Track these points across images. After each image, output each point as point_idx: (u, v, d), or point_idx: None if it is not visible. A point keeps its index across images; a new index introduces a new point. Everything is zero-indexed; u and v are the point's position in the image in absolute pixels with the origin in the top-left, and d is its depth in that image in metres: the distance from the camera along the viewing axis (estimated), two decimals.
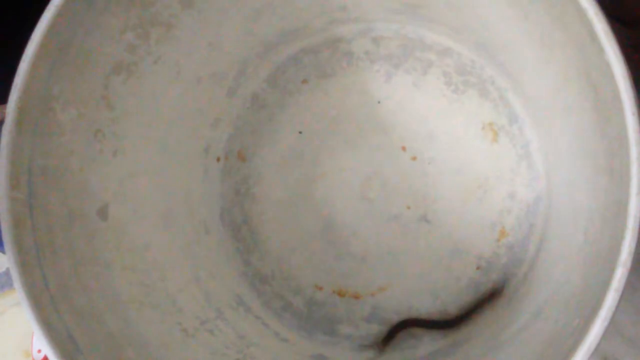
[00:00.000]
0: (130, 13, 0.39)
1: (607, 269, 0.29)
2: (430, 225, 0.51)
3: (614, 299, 0.28)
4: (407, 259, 0.51)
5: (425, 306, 0.50)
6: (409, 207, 0.51)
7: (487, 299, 0.49)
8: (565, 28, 0.32)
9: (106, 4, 0.38)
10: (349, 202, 0.52)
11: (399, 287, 0.51)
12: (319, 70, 0.53)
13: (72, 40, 0.37)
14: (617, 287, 0.28)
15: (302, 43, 0.52)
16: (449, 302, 0.50)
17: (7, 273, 0.58)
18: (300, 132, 0.53)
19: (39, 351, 0.52)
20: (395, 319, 0.50)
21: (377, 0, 0.47)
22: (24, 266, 0.35)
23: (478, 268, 0.50)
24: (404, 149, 0.51)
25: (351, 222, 0.52)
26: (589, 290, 0.31)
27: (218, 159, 0.53)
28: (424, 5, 0.46)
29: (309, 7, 0.48)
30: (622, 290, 0.28)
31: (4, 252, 0.38)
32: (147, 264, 0.44)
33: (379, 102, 0.52)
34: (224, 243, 0.53)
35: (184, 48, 0.45)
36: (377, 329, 0.51)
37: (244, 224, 0.53)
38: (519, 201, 0.49)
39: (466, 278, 0.50)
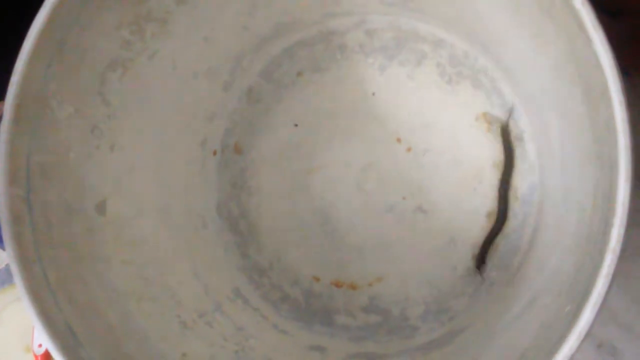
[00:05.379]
0: (125, 9, 0.40)
1: (597, 256, 0.29)
2: (426, 216, 0.51)
3: (604, 284, 0.28)
4: (403, 249, 0.51)
5: (422, 295, 0.51)
6: (404, 198, 0.51)
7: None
8: (554, 20, 0.33)
9: (101, 1, 0.38)
10: (345, 193, 0.52)
11: (395, 277, 0.51)
12: (314, 63, 0.53)
13: (67, 38, 0.37)
14: (607, 273, 0.28)
15: (297, 36, 0.52)
16: (446, 291, 0.50)
17: (7, 269, 0.58)
18: (295, 125, 0.53)
19: (40, 345, 0.52)
20: (393, 309, 0.51)
21: None
22: (24, 261, 0.36)
23: (474, 257, 0.50)
24: (399, 140, 0.52)
25: (347, 214, 0.52)
26: (580, 277, 0.32)
27: (214, 153, 0.53)
28: None
29: (303, 1, 0.48)
30: (612, 276, 0.28)
31: (3, 249, 0.38)
32: (146, 257, 0.45)
33: (373, 94, 0.52)
34: (222, 236, 0.53)
35: (179, 43, 0.45)
36: (374, 319, 0.51)
37: (241, 216, 0.54)
38: (514, 190, 0.49)
39: (462, 267, 0.50)
